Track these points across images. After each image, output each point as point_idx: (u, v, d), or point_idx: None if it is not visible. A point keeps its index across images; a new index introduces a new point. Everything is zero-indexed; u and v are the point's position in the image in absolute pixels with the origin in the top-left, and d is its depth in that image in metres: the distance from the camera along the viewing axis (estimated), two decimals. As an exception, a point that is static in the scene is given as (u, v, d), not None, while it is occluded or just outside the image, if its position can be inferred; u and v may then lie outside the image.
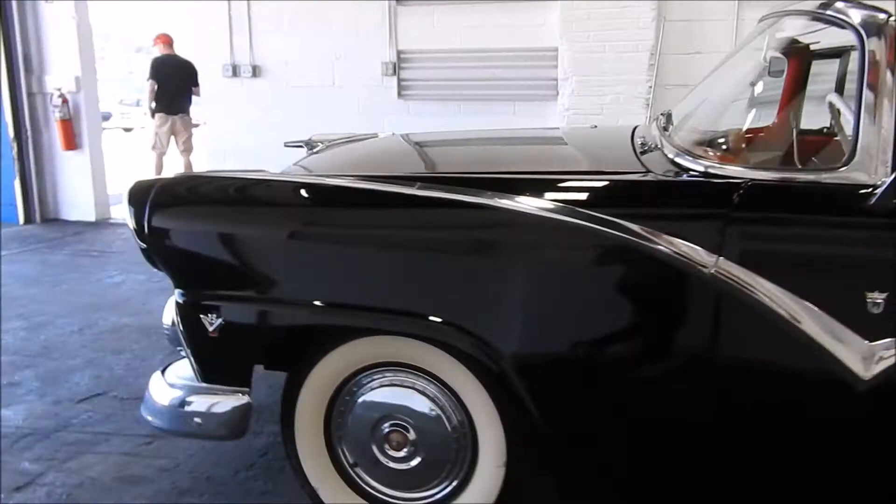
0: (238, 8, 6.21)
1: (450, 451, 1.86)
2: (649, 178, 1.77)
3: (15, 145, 6.83)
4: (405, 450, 1.89)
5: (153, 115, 7.28)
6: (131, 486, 2.33)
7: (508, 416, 1.78)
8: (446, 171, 1.92)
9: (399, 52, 5.82)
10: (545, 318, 1.66)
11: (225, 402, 1.91)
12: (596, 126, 2.76)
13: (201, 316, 1.87)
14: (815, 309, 1.45)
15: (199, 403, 1.93)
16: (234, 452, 2.52)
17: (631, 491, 1.78)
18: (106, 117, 22.01)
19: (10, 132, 6.78)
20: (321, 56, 6.01)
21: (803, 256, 1.53)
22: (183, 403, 1.96)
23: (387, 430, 1.90)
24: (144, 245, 1.92)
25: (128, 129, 20.17)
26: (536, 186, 1.71)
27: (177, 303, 1.92)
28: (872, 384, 1.44)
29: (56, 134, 6.78)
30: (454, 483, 1.89)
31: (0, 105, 6.74)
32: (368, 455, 1.93)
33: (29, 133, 6.88)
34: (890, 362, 1.43)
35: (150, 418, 2.05)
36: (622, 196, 1.70)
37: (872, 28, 1.52)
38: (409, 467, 1.90)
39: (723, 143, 1.93)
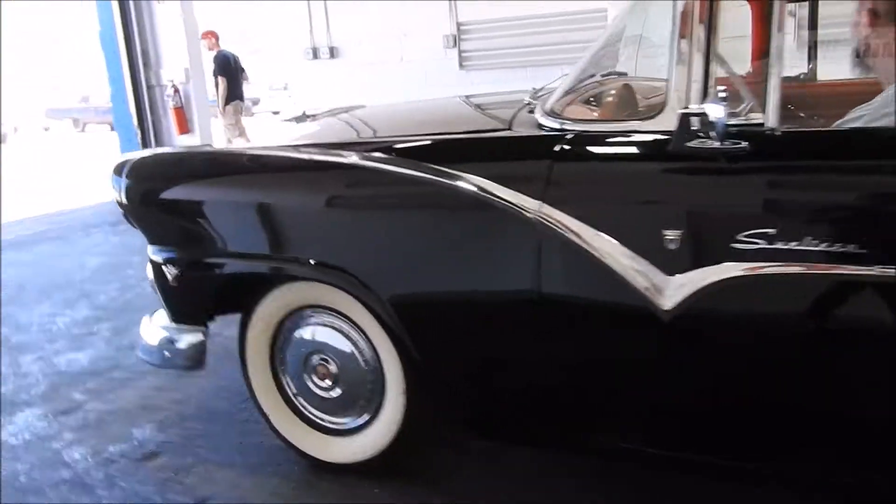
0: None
1: (364, 382, 2.14)
2: (499, 135, 1.93)
3: (139, 132, 7.71)
4: (328, 381, 2.19)
5: (223, 108, 7.84)
6: (149, 413, 2.80)
7: (403, 352, 2.02)
8: (345, 138, 2.17)
9: (458, 25, 6.03)
10: (404, 265, 1.88)
11: (185, 338, 2.28)
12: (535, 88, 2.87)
13: (163, 267, 2.25)
14: (622, 247, 1.59)
15: (167, 340, 2.32)
16: (238, 389, 2.90)
17: (493, 420, 1.97)
18: (255, 102, 23.51)
19: (135, 121, 7.67)
20: (389, 33, 6.33)
21: (612, 199, 1.65)
22: (159, 341, 2.36)
23: (315, 363, 2.20)
24: (123, 210, 2.32)
25: (275, 112, 21.16)
26: (406, 149, 1.93)
27: (149, 257, 2.31)
28: (674, 315, 1.56)
29: (172, 121, 7.59)
30: (372, 409, 2.16)
31: (124, 97, 7.63)
32: (303, 385, 2.24)
33: (150, 121, 7.73)
34: (685, 294, 1.54)
35: (140, 355, 2.47)
36: (471, 153, 1.87)
37: None
38: (334, 396, 2.20)
39: (601, 100, 2.04)
